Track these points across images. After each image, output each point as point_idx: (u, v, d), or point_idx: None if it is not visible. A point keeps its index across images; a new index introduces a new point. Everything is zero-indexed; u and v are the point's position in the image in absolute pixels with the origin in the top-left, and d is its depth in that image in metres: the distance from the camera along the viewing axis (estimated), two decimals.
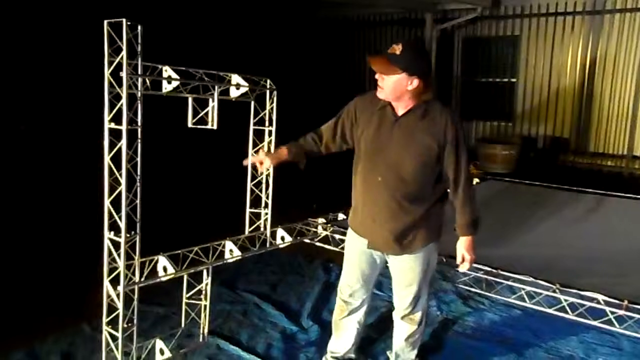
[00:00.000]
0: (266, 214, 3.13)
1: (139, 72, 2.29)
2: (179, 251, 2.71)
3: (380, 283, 3.47)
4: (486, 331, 3.29)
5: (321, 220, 3.55)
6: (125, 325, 2.41)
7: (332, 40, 11.11)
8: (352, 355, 2.78)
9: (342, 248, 2.70)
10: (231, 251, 2.90)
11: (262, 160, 2.48)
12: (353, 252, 2.55)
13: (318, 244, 3.42)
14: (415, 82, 2.18)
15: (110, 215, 2.34)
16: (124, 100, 2.22)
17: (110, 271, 2.39)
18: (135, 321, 2.47)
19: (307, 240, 3.39)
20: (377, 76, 2.22)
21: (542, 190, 4.76)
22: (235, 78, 2.83)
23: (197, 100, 2.62)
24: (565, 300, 2.53)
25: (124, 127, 2.24)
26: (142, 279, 2.48)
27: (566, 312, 2.52)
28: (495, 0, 9.06)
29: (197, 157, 7.52)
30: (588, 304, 2.47)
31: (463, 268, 2.46)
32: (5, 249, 4.39)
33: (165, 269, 2.57)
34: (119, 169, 2.28)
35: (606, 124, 8.56)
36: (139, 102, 2.30)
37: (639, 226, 3.71)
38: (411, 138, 2.25)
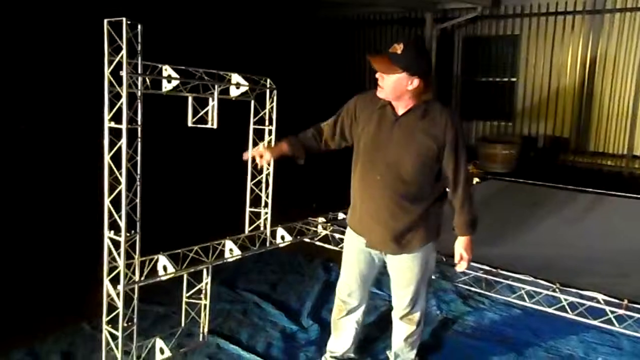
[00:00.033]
0: (266, 213, 3.13)
1: (139, 71, 2.29)
2: (179, 250, 2.71)
3: (380, 282, 3.48)
4: (486, 330, 3.29)
5: (321, 219, 3.55)
6: (125, 325, 2.41)
7: (332, 39, 11.11)
8: (351, 355, 2.78)
9: (342, 247, 2.70)
10: (231, 250, 2.90)
11: (262, 154, 2.48)
12: (351, 251, 2.55)
13: (318, 243, 3.42)
14: (416, 81, 2.18)
15: (110, 215, 2.34)
16: (124, 99, 2.22)
17: (110, 270, 2.39)
18: (135, 320, 2.47)
19: (307, 240, 3.39)
20: (377, 75, 2.22)
21: (542, 190, 4.76)
22: (235, 77, 2.83)
23: (197, 100, 2.62)
24: (565, 300, 2.53)
25: (124, 126, 2.24)
26: (142, 278, 2.48)
27: (566, 312, 2.52)
28: (496, 0, 9.06)
29: (197, 157, 7.52)
30: (588, 303, 2.47)
31: (461, 268, 2.47)
32: (5, 249, 4.39)
33: (165, 268, 2.57)
34: (119, 168, 2.28)
35: (606, 123, 8.56)
36: (139, 101, 2.30)
37: (639, 226, 3.71)
38: (411, 138, 2.25)
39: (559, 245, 3.35)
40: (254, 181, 3.09)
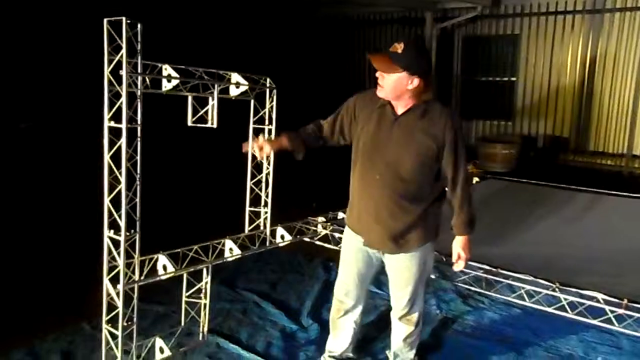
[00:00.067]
0: (266, 212, 3.13)
1: (139, 71, 2.29)
2: (179, 250, 2.71)
3: (380, 281, 3.48)
4: (486, 330, 3.29)
5: (321, 218, 3.55)
6: (125, 324, 2.41)
7: (332, 39, 11.11)
8: (350, 355, 2.78)
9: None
10: (231, 250, 2.90)
11: (262, 146, 2.47)
12: (349, 250, 2.55)
13: (318, 242, 3.42)
14: (416, 81, 2.18)
15: (110, 214, 2.34)
16: (123, 99, 2.22)
17: (110, 270, 2.38)
18: (135, 320, 2.47)
19: (306, 239, 3.39)
20: (377, 74, 2.22)
21: (542, 189, 4.76)
22: (235, 77, 2.83)
23: (197, 99, 2.62)
24: (565, 299, 2.53)
25: (123, 126, 2.24)
26: (142, 278, 2.48)
27: (566, 311, 2.52)
28: None
29: (197, 156, 7.52)
30: (588, 302, 2.47)
31: (458, 267, 2.47)
32: (5, 248, 4.39)
33: (165, 268, 2.57)
34: (118, 167, 2.27)
35: (606, 122, 8.57)
36: (138, 100, 2.30)
37: (639, 225, 3.71)
38: (410, 137, 2.25)
39: (558, 245, 3.35)
40: (254, 180, 3.09)
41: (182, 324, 2.82)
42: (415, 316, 2.58)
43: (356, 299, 2.61)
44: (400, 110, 2.27)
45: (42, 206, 5.72)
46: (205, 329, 2.88)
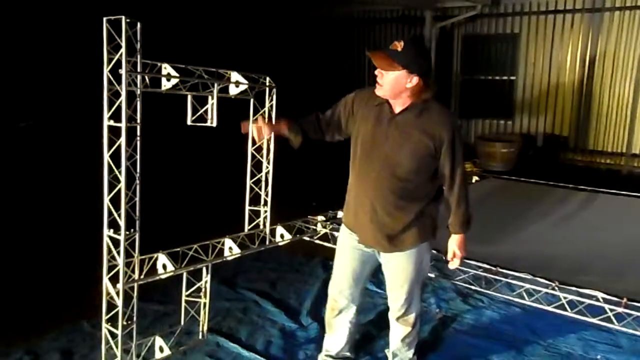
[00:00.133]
0: (265, 211, 3.13)
1: (138, 70, 2.29)
2: (179, 249, 2.71)
3: (380, 280, 3.47)
4: (485, 329, 3.29)
5: (320, 218, 3.56)
6: (125, 323, 2.42)
7: (331, 38, 11.10)
8: (347, 354, 2.76)
9: None
10: (230, 249, 2.90)
11: (261, 128, 2.46)
12: (344, 248, 2.54)
13: (317, 241, 3.43)
14: (415, 80, 2.17)
15: (110, 213, 2.34)
16: (123, 98, 2.22)
17: (110, 269, 2.39)
18: (134, 319, 2.47)
19: (306, 238, 3.40)
20: (376, 72, 2.22)
21: (542, 188, 4.77)
22: (235, 76, 2.83)
23: (197, 98, 2.62)
24: (564, 298, 2.54)
25: (123, 125, 2.24)
26: (142, 277, 2.48)
27: (565, 310, 2.53)
28: None
29: (197, 155, 7.52)
30: (587, 301, 2.48)
31: (453, 265, 2.47)
32: (4, 247, 4.39)
33: (164, 267, 2.57)
34: (118, 166, 2.27)
35: (605, 121, 8.57)
36: (138, 99, 2.30)
37: (638, 224, 3.72)
38: (407, 136, 2.24)
39: (557, 243, 3.36)
40: (254, 179, 3.09)
41: (182, 323, 2.82)
42: (412, 317, 2.57)
43: (350, 298, 2.58)
44: (397, 109, 2.26)
45: (41, 205, 5.71)
46: (205, 328, 2.88)
